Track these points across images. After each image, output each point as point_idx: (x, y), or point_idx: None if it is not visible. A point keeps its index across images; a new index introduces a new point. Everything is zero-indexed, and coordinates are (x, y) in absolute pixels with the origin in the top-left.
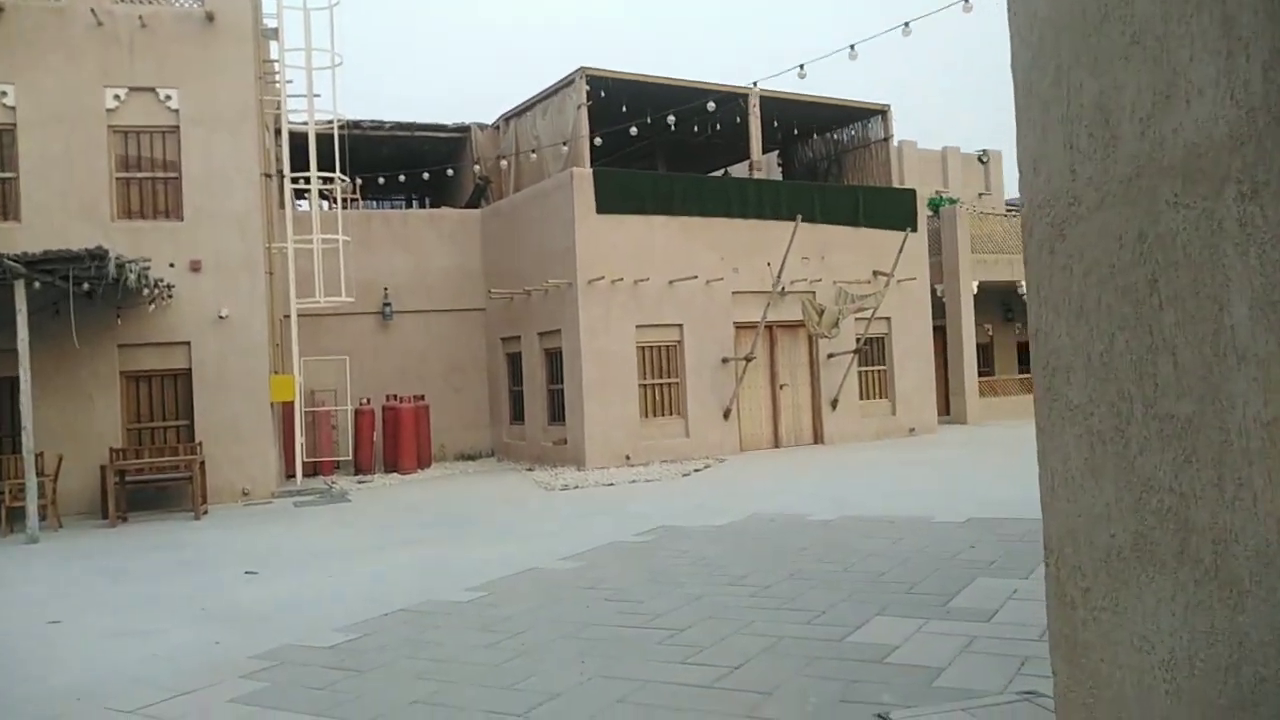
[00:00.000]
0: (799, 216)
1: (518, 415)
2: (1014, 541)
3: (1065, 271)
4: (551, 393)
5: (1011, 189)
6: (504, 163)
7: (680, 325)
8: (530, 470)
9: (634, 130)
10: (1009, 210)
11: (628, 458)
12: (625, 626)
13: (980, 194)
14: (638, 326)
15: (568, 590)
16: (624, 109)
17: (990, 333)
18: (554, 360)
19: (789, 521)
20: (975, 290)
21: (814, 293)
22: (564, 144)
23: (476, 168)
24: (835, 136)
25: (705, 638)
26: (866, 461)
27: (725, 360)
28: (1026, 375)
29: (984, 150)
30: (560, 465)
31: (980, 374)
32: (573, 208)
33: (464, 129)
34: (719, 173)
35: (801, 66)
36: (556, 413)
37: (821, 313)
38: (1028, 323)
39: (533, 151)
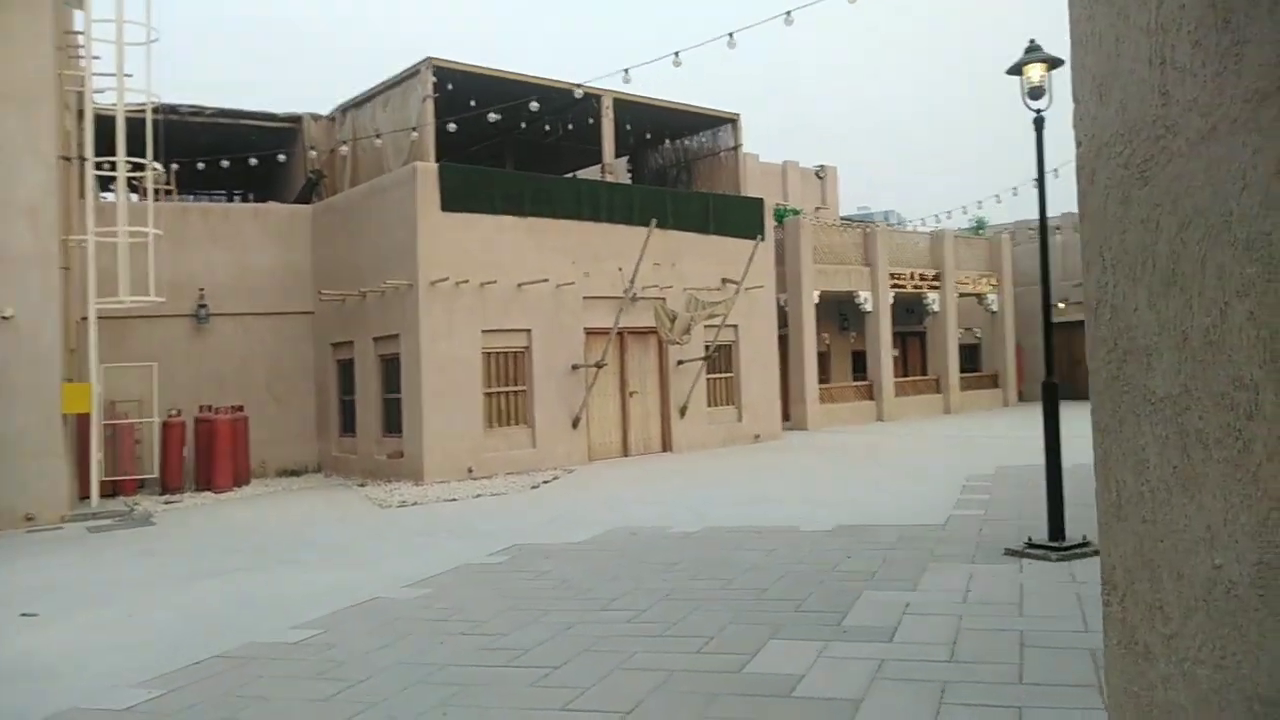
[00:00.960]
0: (654, 221)
1: (348, 427)
2: (887, 550)
3: (1147, 225)
4: (387, 402)
5: (847, 203)
6: (344, 148)
7: (529, 330)
8: (363, 486)
9: (491, 117)
10: (845, 223)
11: (470, 470)
12: (489, 666)
13: (817, 208)
14: (484, 331)
15: (417, 624)
16: (472, 104)
17: (827, 341)
18: (390, 367)
19: (652, 535)
20: (816, 299)
21: (664, 299)
22: (413, 129)
23: (313, 153)
24: (686, 143)
25: (584, 676)
26: (718, 469)
27: (575, 367)
28: (862, 382)
29: (821, 165)
30: (396, 480)
31: (818, 382)
32: (415, 204)
33: (295, 119)
34: (569, 176)
35: (676, 54)
36: (392, 423)
37: (673, 319)
38: (1085, 294)
39: (377, 136)
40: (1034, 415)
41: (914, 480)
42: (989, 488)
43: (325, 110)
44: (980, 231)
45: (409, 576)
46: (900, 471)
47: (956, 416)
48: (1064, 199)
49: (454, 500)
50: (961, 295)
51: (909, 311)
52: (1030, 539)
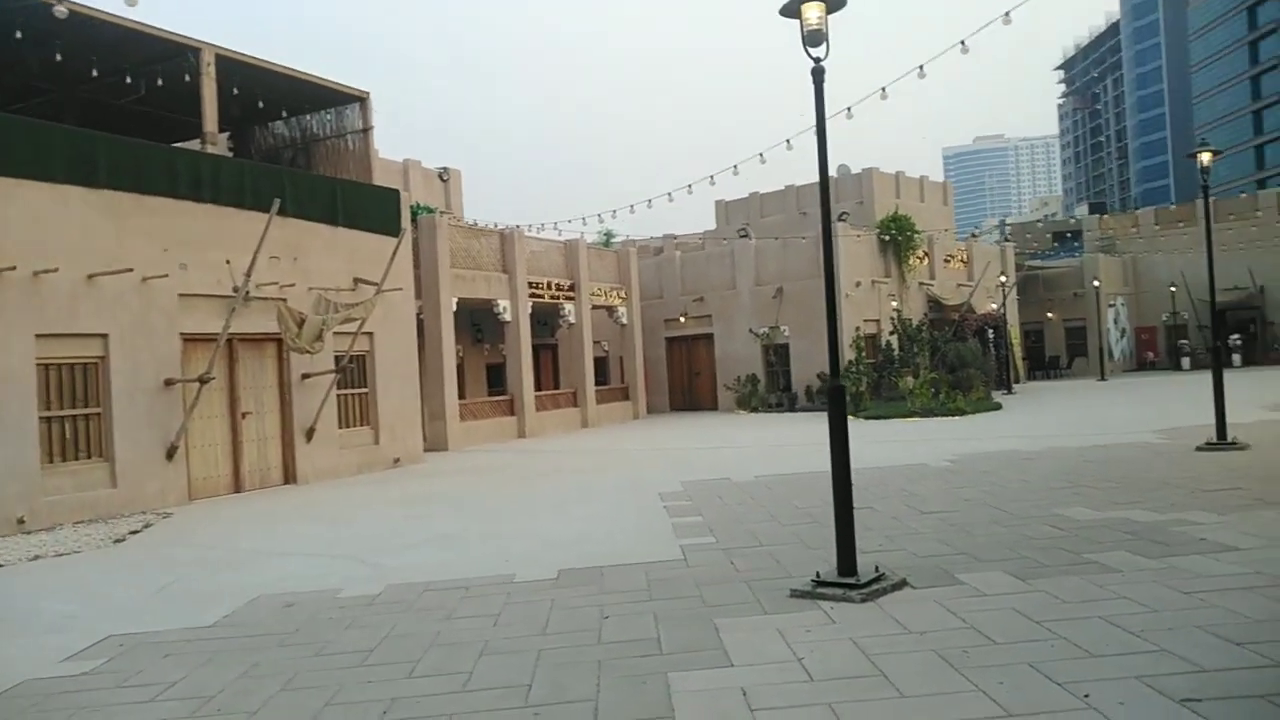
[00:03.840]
0: (277, 201)
1: None
2: (645, 602)
3: None
4: None
5: (471, 208)
6: None
7: (105, 336)
8: None
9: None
10: (480, 227)
11: (21, 521)
12: None
13: (441, 211)
14: (39, 336)
15: None
16: (18, 36)
17: (461, 354)
18: None
19: (316, 605)
20: (455, 307)
21: (285, 299)
22: None
23: None
24: (305, 121)
25: None
26: (364, 503)
27: (170, 382)
28: (500, 397)
29: (444, 168)
30: None
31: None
32: None
33: None
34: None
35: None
36: None
37: (302, 323)
38: None
39: None
40: (670, 426)
41: (604, 504)
42: (693, 508)
43: None
44: (609, 244)
45: None
46: (579, 494)
47: (595, 430)
48: (673, 220)
49: (0, 566)
50: (594, 307)
51: (541, 323)
52: (819, 575)
